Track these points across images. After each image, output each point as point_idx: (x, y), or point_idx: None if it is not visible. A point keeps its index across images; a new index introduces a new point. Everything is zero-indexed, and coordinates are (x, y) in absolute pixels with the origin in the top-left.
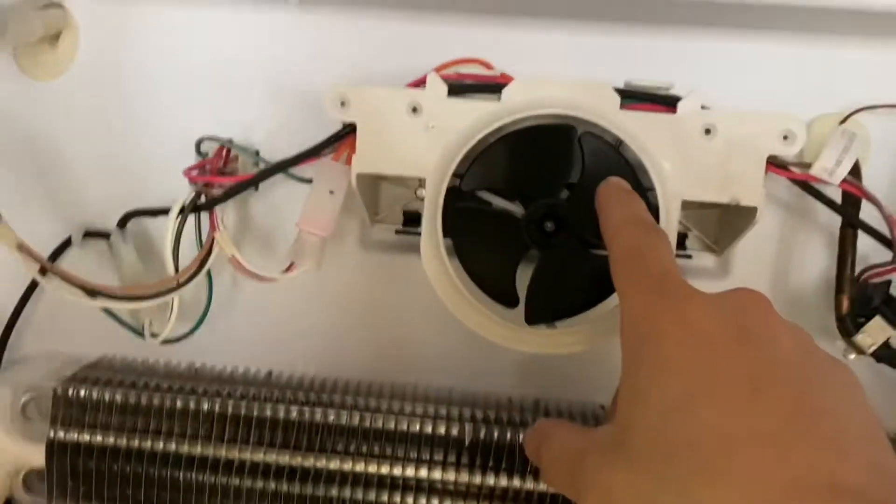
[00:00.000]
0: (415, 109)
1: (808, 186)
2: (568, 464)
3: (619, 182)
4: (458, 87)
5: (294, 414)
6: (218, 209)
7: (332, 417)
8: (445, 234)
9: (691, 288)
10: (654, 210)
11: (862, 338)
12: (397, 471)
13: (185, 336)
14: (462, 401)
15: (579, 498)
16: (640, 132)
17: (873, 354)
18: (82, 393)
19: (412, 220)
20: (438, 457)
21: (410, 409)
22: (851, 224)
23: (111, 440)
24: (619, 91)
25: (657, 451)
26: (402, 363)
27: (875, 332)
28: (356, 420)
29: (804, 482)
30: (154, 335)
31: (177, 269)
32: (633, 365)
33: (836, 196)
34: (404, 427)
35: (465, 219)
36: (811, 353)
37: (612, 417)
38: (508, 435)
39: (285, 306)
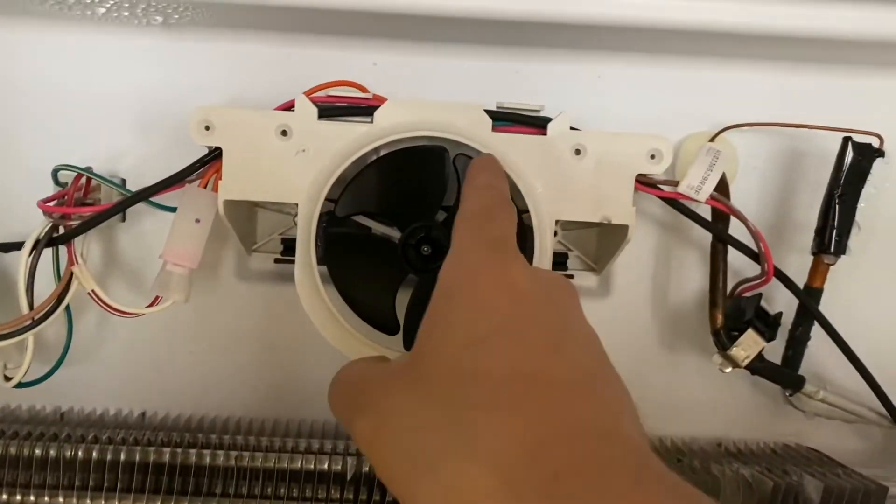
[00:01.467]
0: (284, 132)
1: (677, 204)
2: (350, 387)
3: (494, 159)
4: (330, 110)
5: (170, 457)
6: (77, 241)
7: (208, 459)
8: (320, 261)
9: (521, 257)
10: (529, 232)
11: (736, 351)
12: None
13: (45, 378)
14: (347, 435)
15: (351, 421)
16: (512, 153)
17: (748, 367)
18: None
19: (291, 248)
20: (322, 493)
21: (293, 446)
22: (721, 239)
23: None
24: (491, 113)
25: (448, 378)
26: (286, 399)
27: (748, 344)
28: (234, 460)
29: (585, 428)
30: (8, 378)
31: (31, 307)
32: (444, 298)
33: (708, 214)
34: (284, 465)
35: (340, 245)
36: (600, 349)
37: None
38: None
39: (158, 342)
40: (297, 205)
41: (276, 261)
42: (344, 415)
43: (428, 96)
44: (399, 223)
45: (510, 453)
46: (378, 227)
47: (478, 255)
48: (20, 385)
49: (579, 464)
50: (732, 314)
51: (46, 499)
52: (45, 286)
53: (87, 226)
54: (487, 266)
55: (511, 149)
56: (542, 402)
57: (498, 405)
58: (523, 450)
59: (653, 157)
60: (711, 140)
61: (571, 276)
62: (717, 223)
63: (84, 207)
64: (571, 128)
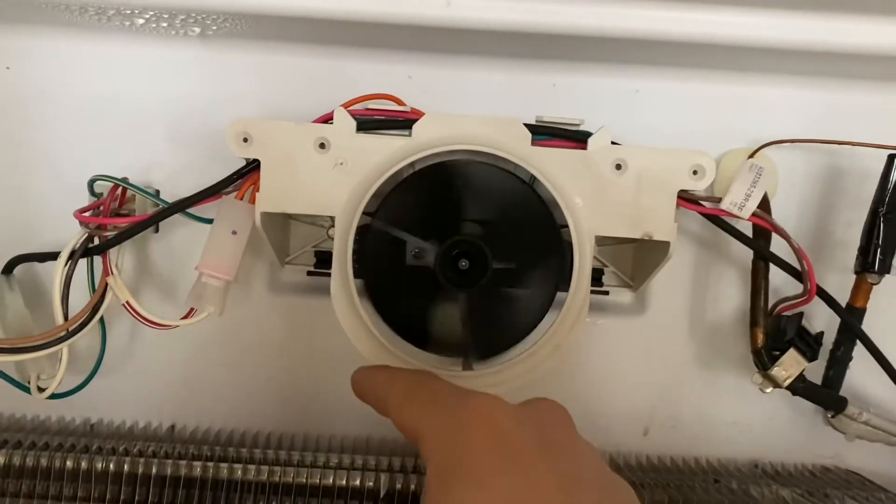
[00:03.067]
0: (322, 145)
1: (719, 220)
2: None
3: (358, 376)
4: (368, 123)
5: (199, 470)
6: (112, 252)
7: (239, 473)
8: (357, 274)
9: (486, 394)
10: (567, 246)
11: (777, 371)
12: None
13: (77, 389)
14: (379, 450)
15: None
16: (551, 168)
17: (789, 387)
18: None
19: (325, 260)
20: None
21: (324, 461)
22: (762, 257)
23: None
24: (530, 127)
25: None
26: (316, 413)
27: (790, 364)
28: (266, 475)
29: None
30: (41, 389)
31: (66, 318)
32: (444, 484)
33: (748, 230)
34: (317, 480)
35: (377, 258)
36: (603, 470)
37: None
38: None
39: (189, 355)
40: (331, 217)
41: (309, 273)
42: None
43: (463, 110)
44: (436, 237)
45: None
46: (414, 241)
47: (448, 419)
48: (53, 396)
49: None
50: (773, 333)
51: None
52: (79, 297)
53: (122, 236)
54: (467, 423)
55: (551, 163)
56: None
57: None
58: None
59: (695, 172)
60: (751, 156)
61: (607, 293)
62: (759, 240)
63: (120, 218)
64: (612, 142)
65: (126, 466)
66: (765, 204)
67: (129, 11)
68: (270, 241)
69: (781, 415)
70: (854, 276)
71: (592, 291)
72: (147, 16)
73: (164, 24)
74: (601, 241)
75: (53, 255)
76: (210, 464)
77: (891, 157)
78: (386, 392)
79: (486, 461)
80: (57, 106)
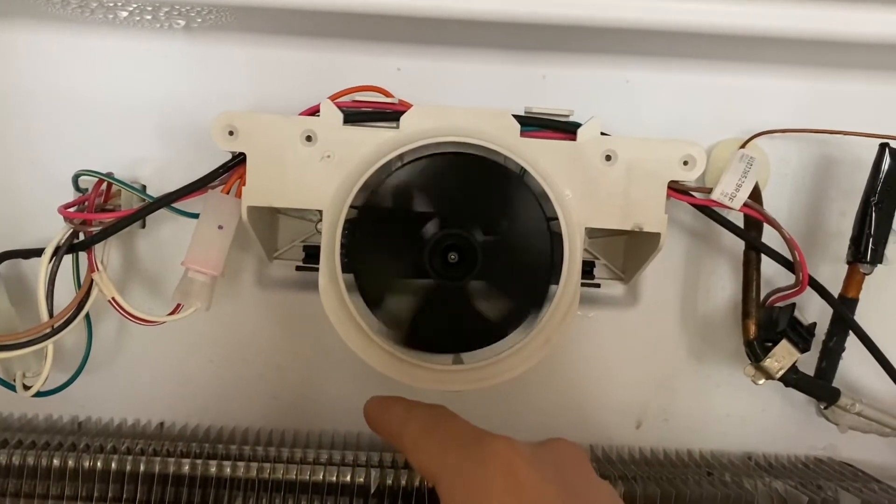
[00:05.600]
0: (309, 138)
1: (710, 211)
2: None
3: (372, 409)
4: (355, 115)
5: (188, 468)
6: (98, 248)
7: (229, 470)
8: (345, 269)
9: (504, 437)
10: (557, 239)
11: (770, 362)
12: None
13: (64, 387)
14: (369, 446)
15: None
16: (540, 160)
17: (782, 379)
18: None
19: (313, 255)
20: None
21: (314, 457)
22: (754, 248)
23: None
24: (519, 118)
25: None
26: (306, 409)
27: (782, 356)
28: (255, 472)
29: None
30: (27, 387)
31: (51, 314)
32: None
33: (739, 221)
34: (307, 477)
35: (365, 252)
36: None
37: None
38: (417, 480)
39: (177, 351)
40: (319, 211)
41: (298, 268)
42: None
43: (452, 102)
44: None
45: None
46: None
47: (466, 461)
48: (39, 394)
49: None
50: (765, 324)
51: None
52: (65, 293)
53: (108, 232)
54: (486, 468)
55: (540, 154)
56: None
57: None
58: None
59: (686, 163)
60: (742, 146)
61: (598, 286)
62: (751, 231)
63: (105, 213)
64: (602, 133)
65: (114, 465)
66: (756, 194)
67: (111, 4)
68: (258, 235)
69: (774, 406)
70: (846, 267)
71: (583, 284)
72: (130, 8)
73: (149, 17)
74: (592, 234)
75: (38, 252)
76: (199, 461)
77: (882, 147)
78: (401, 427)
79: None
80: (40, 100)
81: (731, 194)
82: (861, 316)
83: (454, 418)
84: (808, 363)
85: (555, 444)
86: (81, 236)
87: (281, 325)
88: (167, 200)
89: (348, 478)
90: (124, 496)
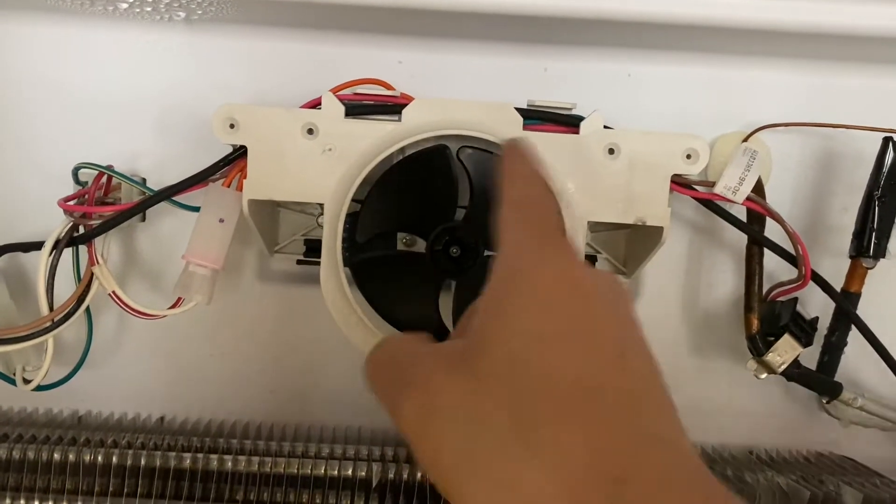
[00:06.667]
0: (310, 131)
1: (712, 205)
2: (396, 362)
3: (528, 143)
4: (357, 108)
5: (189, 462)
6: (98, 242)
7: (230, 464)
8: (346, 262)
9: (576, 252)
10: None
11: (772, 357)
12: None
13: (64, 381)
14: (371, 440)
15: (395, 399)
16: (543, 153)
17: (784, 373)
18: None
19: (314, 249)
20: (346, 500)
21: (315, 451)
22: (757, 242)
23: None
24: (522, 111)
25: (510, 375)
26: (307, 402)
27: (784, 350)
28: (256, 466)
29: (648, 437)
30: (27, 381)
31: (52, 308)
32: (504, 290)
33: (742, 215)
34: (308, 470)
35: (370, 270)
36: (653, 355)
37: (462, 334)
38: (419, 474)
39: (178, 345)
40: (320, 205)
41: (299, 262)
42: (387, 392)
43: (453, 95)
44: (420, 232)
45: (574, 461)
46: (402, 239)
47: (534, 247)
48: (39, 388)
49: (644, 471)
50: (768, 319)
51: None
52: (65, 287)
53: (108, 225)
54: (548, 260)
55: (542, 148)
56: (608, 412)
57: (564, 413)
58: (588, 457)
59: (689, 157)
60: (745, 140)
61: None
62: (753, 225)
63: (105, 206)
64: (605, 126)
65: (115, 458)
66: (759, 188)
67: None
68: (259, 229)
69: (776, 401)
70: (849, 261)
71: None
72: (130, 0)
73: (149, 9)
74: (594, 227)
75: (38, 245)
76: (200, 455)
77: (886, 140)
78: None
79: (553, 287)
80: (39, 93)
81: (734, 188)
82: (863, 310)
83: None
84: (811, 358)
85: (610, 273)
86: (81, 229)
87: (282, 319)
88: (167, 193)
89: (350, 472)
90: (125, 490)
